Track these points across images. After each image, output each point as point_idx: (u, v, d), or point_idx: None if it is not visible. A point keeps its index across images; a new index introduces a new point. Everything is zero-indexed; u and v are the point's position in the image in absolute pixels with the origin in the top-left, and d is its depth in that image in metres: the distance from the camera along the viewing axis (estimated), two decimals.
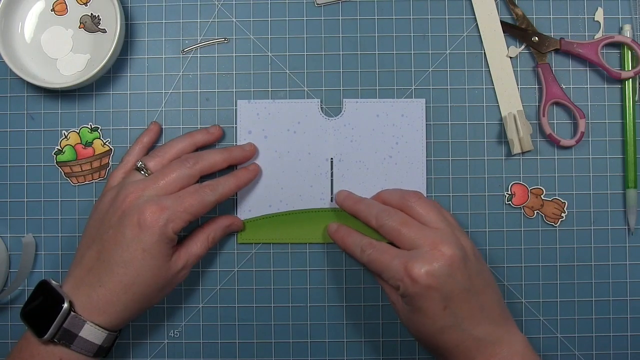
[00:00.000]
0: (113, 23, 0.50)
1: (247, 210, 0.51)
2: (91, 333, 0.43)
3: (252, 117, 0.51)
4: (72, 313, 0.43)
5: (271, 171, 0.51)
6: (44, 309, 0.44)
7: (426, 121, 0.52)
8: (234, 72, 0.53)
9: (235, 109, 0.52)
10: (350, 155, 0.51)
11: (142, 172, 0.47)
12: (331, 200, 0.50)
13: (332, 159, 0.50)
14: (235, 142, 0.52)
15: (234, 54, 0.53)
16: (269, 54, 0.52)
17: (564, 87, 0.52)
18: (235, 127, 0.52)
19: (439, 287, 0.42)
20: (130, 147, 0.51)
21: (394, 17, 0.53)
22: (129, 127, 0.52)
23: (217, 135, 0.51)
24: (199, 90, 0.53)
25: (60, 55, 0.52)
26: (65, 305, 0.43)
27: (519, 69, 0.52)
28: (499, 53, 0.52)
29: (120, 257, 0.44)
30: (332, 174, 0.51)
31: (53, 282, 0.45)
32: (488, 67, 0.52)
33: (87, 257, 0.45)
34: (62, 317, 0.43)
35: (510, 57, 0.52)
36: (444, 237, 0.43)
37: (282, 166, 0.51)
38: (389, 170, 0.51)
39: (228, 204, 0.51)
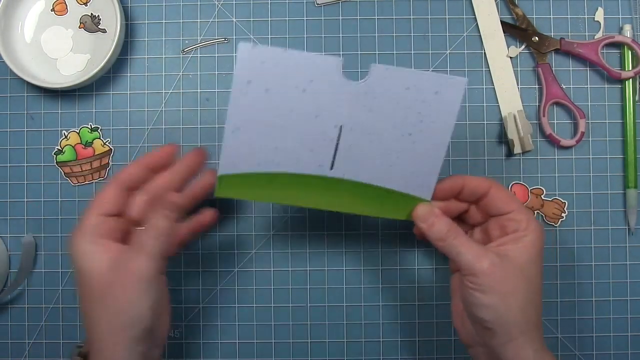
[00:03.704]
0: (113, 23, 0.50)
1: (232, 165, 0.42)
2: None
3: (255, 65, 0.40)
4: None
5: (265, 130, 0.42)
6: None
7: None
8: (234, 72, 0.52)
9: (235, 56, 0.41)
10: (364, 126, 0.42)
11: None
12: (330, 168, 0.43)
13: (342, 126, 0.42)
14: (230, 93, 0.41)
15: (234, 54, 0.53)
16: None
17: (564, 87, 0.52)
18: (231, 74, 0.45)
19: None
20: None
21: (394, 17, 0.53)
22: (129, 127, 0.52)
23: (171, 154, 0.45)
24: (199, 90, 0.53)
25: (60, 55, 0.52)
26: None
27: (519, 69, 0.52)
28: (499, 53, 0.52)
29: None
30: (338, 142, 0.43)
31: None
32: (488, 67, 0.52)
33: None
34: None
35: (510, 57, 0.52)
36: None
37: (281, 126, 0.42)
38: (405, 148, 0.43)
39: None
